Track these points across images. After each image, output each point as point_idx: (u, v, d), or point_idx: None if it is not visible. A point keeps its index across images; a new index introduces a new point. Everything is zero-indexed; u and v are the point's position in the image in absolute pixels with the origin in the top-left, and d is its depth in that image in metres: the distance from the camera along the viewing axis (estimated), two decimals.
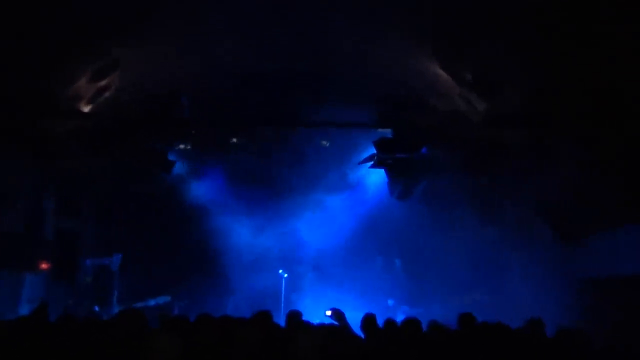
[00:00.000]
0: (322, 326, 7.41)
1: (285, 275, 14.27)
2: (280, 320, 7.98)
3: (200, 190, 15.13)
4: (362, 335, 7.87)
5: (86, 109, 12.22)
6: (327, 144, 15.05)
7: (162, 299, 13.81)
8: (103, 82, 11.79)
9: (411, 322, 7.61)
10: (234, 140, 14.98)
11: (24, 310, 11.63)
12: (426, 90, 12.56)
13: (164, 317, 8.59)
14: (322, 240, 15.22)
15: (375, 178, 15.10)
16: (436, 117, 12.97)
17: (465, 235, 13.80)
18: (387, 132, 14.02)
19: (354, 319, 8.21)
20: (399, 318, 10.63)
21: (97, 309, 12.31)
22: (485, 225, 13.72)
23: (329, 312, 8.63)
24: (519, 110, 11.21)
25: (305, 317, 7.81)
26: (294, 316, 7.79)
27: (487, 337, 7.16)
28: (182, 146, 14.81)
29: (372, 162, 14.46)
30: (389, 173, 14.28)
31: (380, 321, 8.28)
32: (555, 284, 11.61)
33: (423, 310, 13.50)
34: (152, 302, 13.61)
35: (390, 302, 14.79)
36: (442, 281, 14.08)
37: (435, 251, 14.38)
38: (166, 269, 14.57)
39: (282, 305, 13.96)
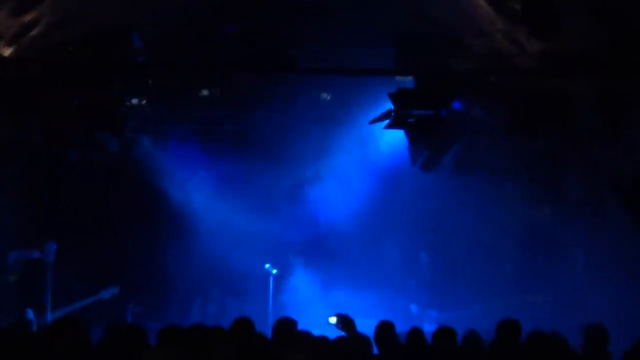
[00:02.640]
0: (323, 338, 7.55)
1: (275, 271, 14.28)
2: (267, 329, 8.12)
3: (161, 157, 15.19)
4: (376, 350, 8.05)
5: (6, 52, 12.20)
6: (329, 97, 14.97)
7: (108, 292, 13.88)
8: (28, 16, 11.73)
9: (444, 333, 7.87)
10: (205, 92, 14.82)
11: None
12: (459, 25, 12.60)
13: (114, 325, 8.85)
14: (321, 223, 15.32)
15: (391, 142, 14.98)
16: (473, 61, 12.96)
17: (512, 217, 13.93)
18: (408, 81, 13.81)
19: (366, 328, 8.36)
20: (426, 327, 10.82)
21: (31, 315, 12.32)
22: (540, 205, 13.87)
23: (332, 319, 8.87)
24: (585, 51, 11.26)
25: (300, 326, 7.89)
26: (285, 325, 7.89)
27: (538, 352, 7.46)
28: (135, 101, 14.63)
29: (387, 121, 14.19)
30: (411, 135, 14.00)
31: (400, 331, 8.53)
32: (635, 282, 11.68)
33: (456, 314, 13.68)
34: (92, 299, 13.64)
35: (413, 307, 14.95)
36: (482, 278, 14.21)
37: (472, 239, 14.46)
38: (115, 261, 14.61)
39: (270, 309, 13.96)
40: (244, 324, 7.74)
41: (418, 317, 14.36)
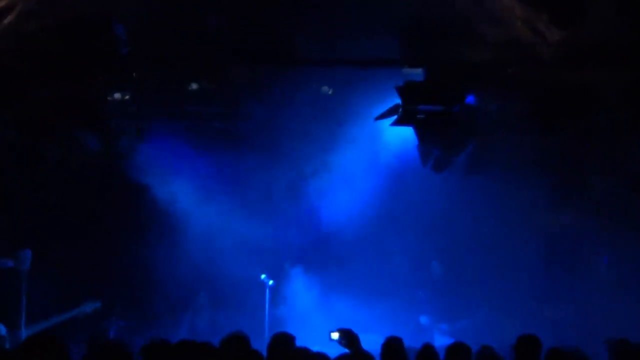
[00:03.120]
0: (323, 356, 7.45)
1: (271, 282, 14.11)
2: (263, 346, 8.04)
3: (146, 157, 15.03)
4: None
5: None
6: (330, 91, 14.92)
7: (89, 307, 13.67)
8: (1, 3, 11.71)
9: (457, 350, 7.91)
10: (194, 86, 14.83)
11: None
12: (474, 12, 12.40)
13: (95, 342, 8.97)
14: (321, 226, 15.29)
15: (398, 140, 14.95)
16: (488, 52, 12.85)
17: (530, 222, 13.87)
18: (417, 73, 13.81)
19: (372, 344, 8.36)
20: (437, 341, 10.70)
21: (3, 331, 12.12)
22: (561, 208, 13.77)
23: (334, 335, 8.83)
24: (608, 41, 11.42)
25: (299, 343, 7.96)
26: (282, 341, 7.96)
27: None
28: (118, 96, 14.67)
29: (395, 117, 14.26)
30: (420, 133, 14.09)
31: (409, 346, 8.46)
32: None
33: (469, 327, 13.77)
34: (71, 313, 13.42)
35: (423, 319, 14.88)
36: (496, 287, 14.18)
37: (486, 245, 14.43)
38: (97, 271, 14.56)
39: (266, 323, 13.77)
40: (238, 340, 7.71)
41: (428, 330, 14.41)
